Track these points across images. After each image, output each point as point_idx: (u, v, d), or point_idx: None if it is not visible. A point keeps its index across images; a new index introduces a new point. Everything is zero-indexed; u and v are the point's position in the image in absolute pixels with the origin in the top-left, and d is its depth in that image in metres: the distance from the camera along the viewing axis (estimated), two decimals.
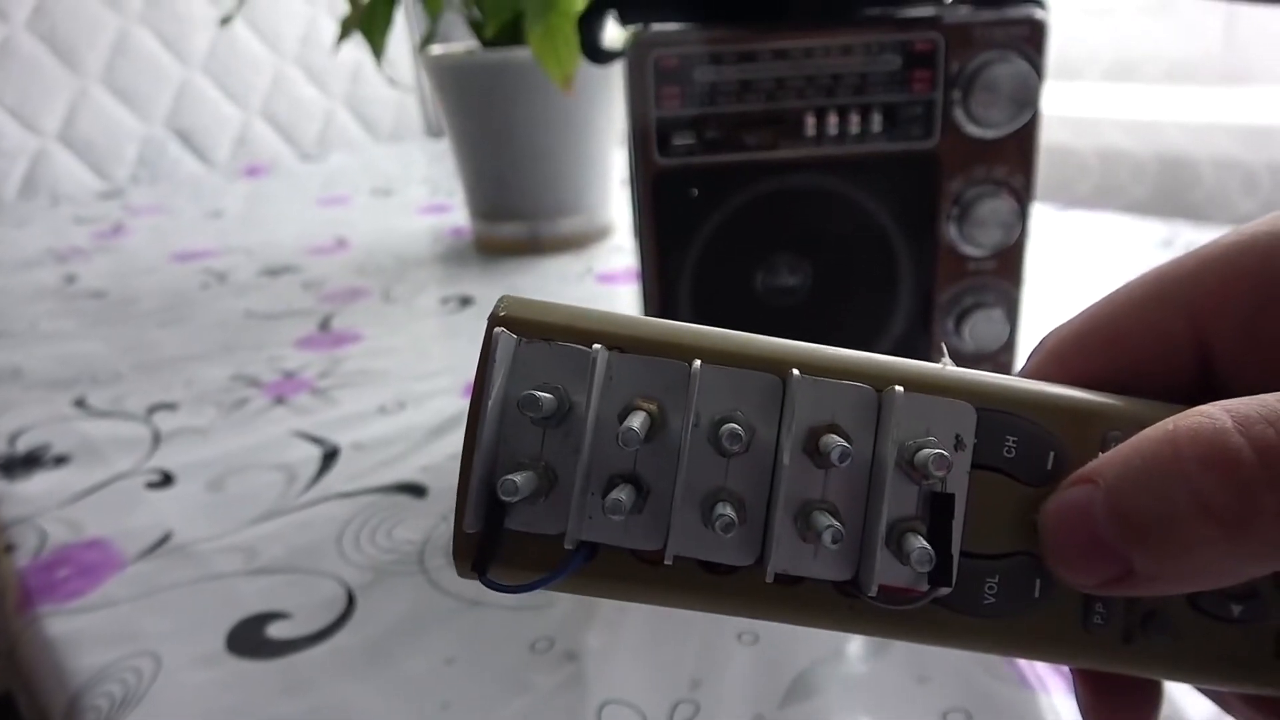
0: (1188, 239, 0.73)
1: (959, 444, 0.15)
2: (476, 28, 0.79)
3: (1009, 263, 0.40)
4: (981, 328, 0.41)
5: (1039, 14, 0.37)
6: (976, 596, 0.15)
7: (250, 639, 0.33)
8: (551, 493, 0.15)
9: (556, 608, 0.34)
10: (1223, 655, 0.15)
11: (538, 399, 0.14)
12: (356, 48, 0.76)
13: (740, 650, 0.31)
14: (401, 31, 1.44)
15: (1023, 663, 0.30)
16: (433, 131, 1.55)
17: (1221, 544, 0.13)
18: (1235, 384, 0.15)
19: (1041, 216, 0.80)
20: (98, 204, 1.16)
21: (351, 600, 0.35)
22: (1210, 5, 0.75)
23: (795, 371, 0.15)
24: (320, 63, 1.41)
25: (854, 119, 0.38)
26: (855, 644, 0.31)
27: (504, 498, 0.14)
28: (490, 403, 0.15)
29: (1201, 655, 0.15)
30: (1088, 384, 0.16)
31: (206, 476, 0.45)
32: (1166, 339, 0.16)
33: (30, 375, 0.59)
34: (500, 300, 0.15)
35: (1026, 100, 0.37)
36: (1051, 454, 0.15)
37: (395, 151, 1.42)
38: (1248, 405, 0.13)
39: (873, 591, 0.14)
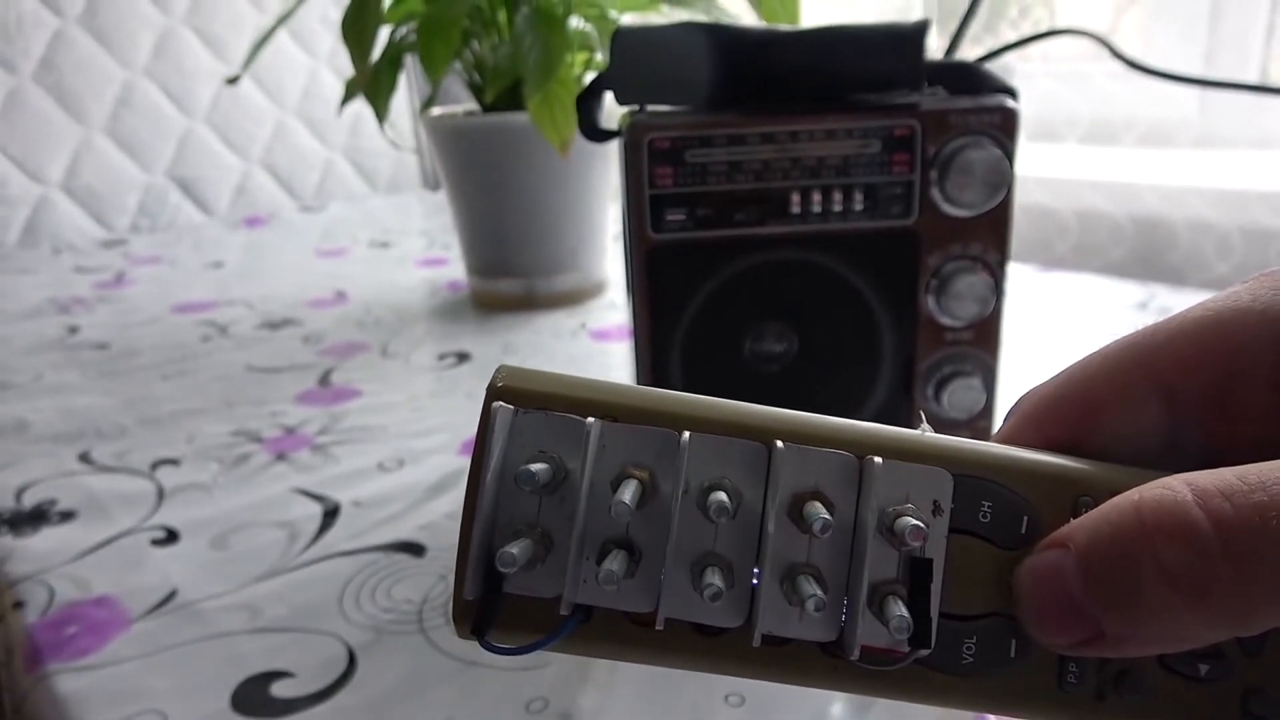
0: (1163, 302, 0.75)
1: (937, 509, 0.16)
2: (477, 91, 0.81)
3: (986, 333, 0.42)
4: (960, 395, 0.42)
5: (1010, 103, 0.40)
6: (955, 656, 0.16)
7: (255, 698, 0.34)
8: (548, 558, 0.15)
9: (550, 668, 0.35)
10: (1191, 713, 0.16)
11: (534, 473, 0.15)
12: (357, 100, 0.78)
13: (728, 712, 0.32)
14: (403, 91, 1.47)
15: None
16: (429, 183, 1.58)
17: (1183, 611, 0.13)
18: (1201, 451, 0.16)
19: (1022, 278, 0.83)
20: (99, 253, 1.17)
21: (353, 659, 0.36)
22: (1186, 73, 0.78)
23: (779, 442, 0.16)
24: (321, 114, 1.45)
25: (837, 198, 0.41)
26: (840, 705, 0.32)
27: (501, 569, 0.15)
28: (489, 474, 0.15)
29: (1171, 712, 0.16)
30: (1061, 445, 0.17)
31: (210, 533, 0.46)
32: (1136, 406, 0.17)
33: (35, 429, 0.60)
34: (499, 371, 0.16)
35: (999, 183, 0.40)
36: (1025, 518, 0.16)
37: (393, 203, 1.44)
38: (1206, 479, 0.14)
39: (855, 655, 0.15)
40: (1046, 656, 0.16)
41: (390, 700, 0.34)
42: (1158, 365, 0.16)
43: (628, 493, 0.15)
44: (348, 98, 0.80)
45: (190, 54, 1.33)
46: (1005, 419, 0.19)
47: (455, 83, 0.87)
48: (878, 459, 0.16)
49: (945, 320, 0.42)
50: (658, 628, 0.15)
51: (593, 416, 0.16)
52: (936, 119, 0.39)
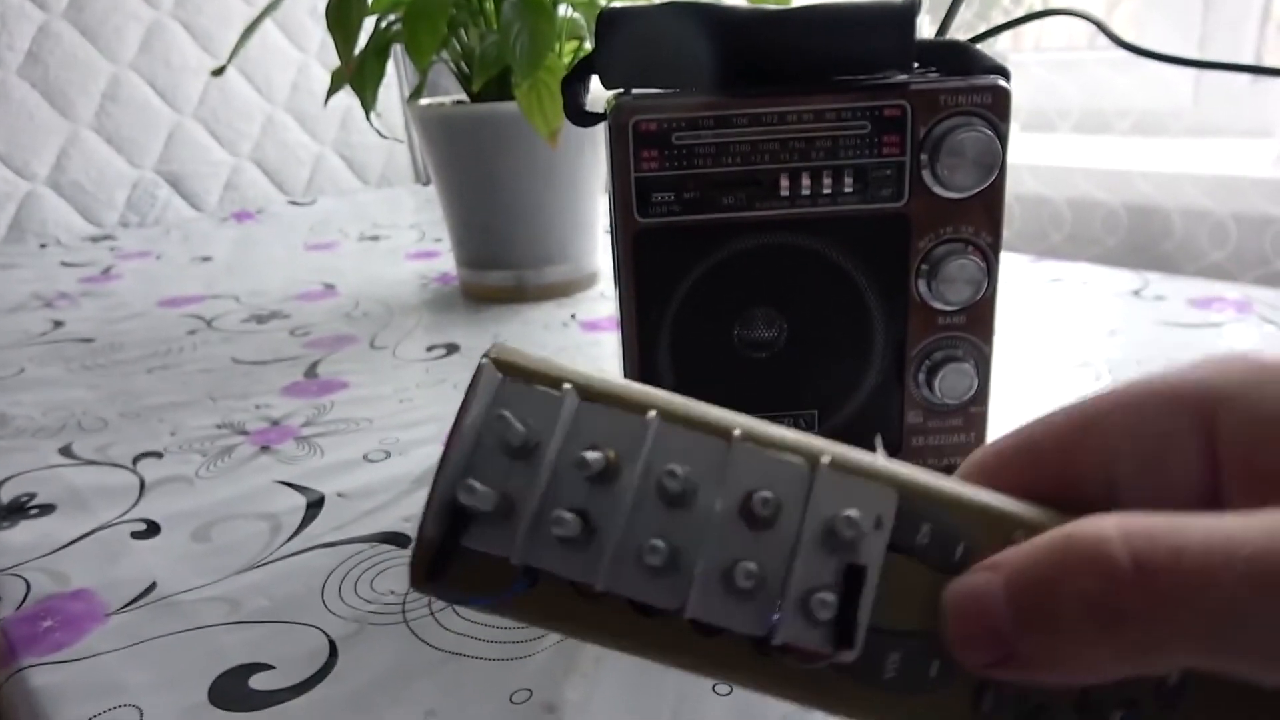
0: (1157, 289, 0.74)
1: (879, 524, 0.16)
2: (464, 81, 0.80)
3: (979, 317, 0.42)
4: (952, 380, 0.42)
5: (1002, 83, 0.39)
6: (878, 670, 0.16)
7: (233, 691, 0.33)
8: (508, 520, 0.16)
9: (535, 659, 0.34)
10: None
11: (509, 425, 0.16)
12: (347, 94, 0.77)
13: (715, 701, 0.32)
14: (391, 82, 1.46)
15: None
16: (421, 178, 1.57)
17: (1097, 642, 0.14)
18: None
19: (1015, 267, 0.82)
20: (86, 248, 1.16)
21: (334, 651, 0.35)
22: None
23: (737, 431, 0.16)
24: (310, 108, 1.43)
25: (826, 180, 0.40)
26: None
27: (462, 499, 0.15)
28: (466, 430, 0.16)
29: None
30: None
31: (191, 526, 0.45)
32: (1077, 469, 0.18)
33: (16, 422, 0.60)
34: (493, 345, 0.17)
35: (990, 164, 0.39)
36: (962, 545, 0.17)
37: (384, 196, 1.44)
38: (1137, 520, 0.14)
39: (778, 640, 0.16)
40: (966, 684, 0.16)
41: (372, 692, 0.33)
42: (1099, 435, 0.17)
43: (594, 455, 0.16)
44: (334, 88, 0.79)
45: (178, 48, 1.32)
46: (960, 467, 0.20)
47: (445, 75, 0.86)
48: (827, 463, 0.16)
49: (937, 304, 0.41)
50: (597, 589, 0.16)
51: (570, 389, 0.17)
52: (927, 99, 0.39)
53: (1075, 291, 0.76)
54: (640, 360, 0.42)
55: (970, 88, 0.39)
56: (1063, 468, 0.18)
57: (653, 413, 0.16)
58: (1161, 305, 0.71)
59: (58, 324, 0.82)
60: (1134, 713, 0.16)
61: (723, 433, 0.16)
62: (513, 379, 0.17)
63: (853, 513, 0.16)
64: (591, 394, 0.17)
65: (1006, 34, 0.66)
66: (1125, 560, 0.14)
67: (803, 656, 0.16)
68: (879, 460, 0.17)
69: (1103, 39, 0.53)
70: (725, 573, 0.16)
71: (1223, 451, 0.16)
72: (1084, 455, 0.18)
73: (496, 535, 0.16)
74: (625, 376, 0.17)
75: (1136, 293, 0.74)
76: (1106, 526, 0.14)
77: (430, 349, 0.70)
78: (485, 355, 0.17)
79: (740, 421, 0.17)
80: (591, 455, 0.16)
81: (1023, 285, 0.78)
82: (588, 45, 0.76)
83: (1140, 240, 0.88)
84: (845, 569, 0.16)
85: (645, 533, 0.16)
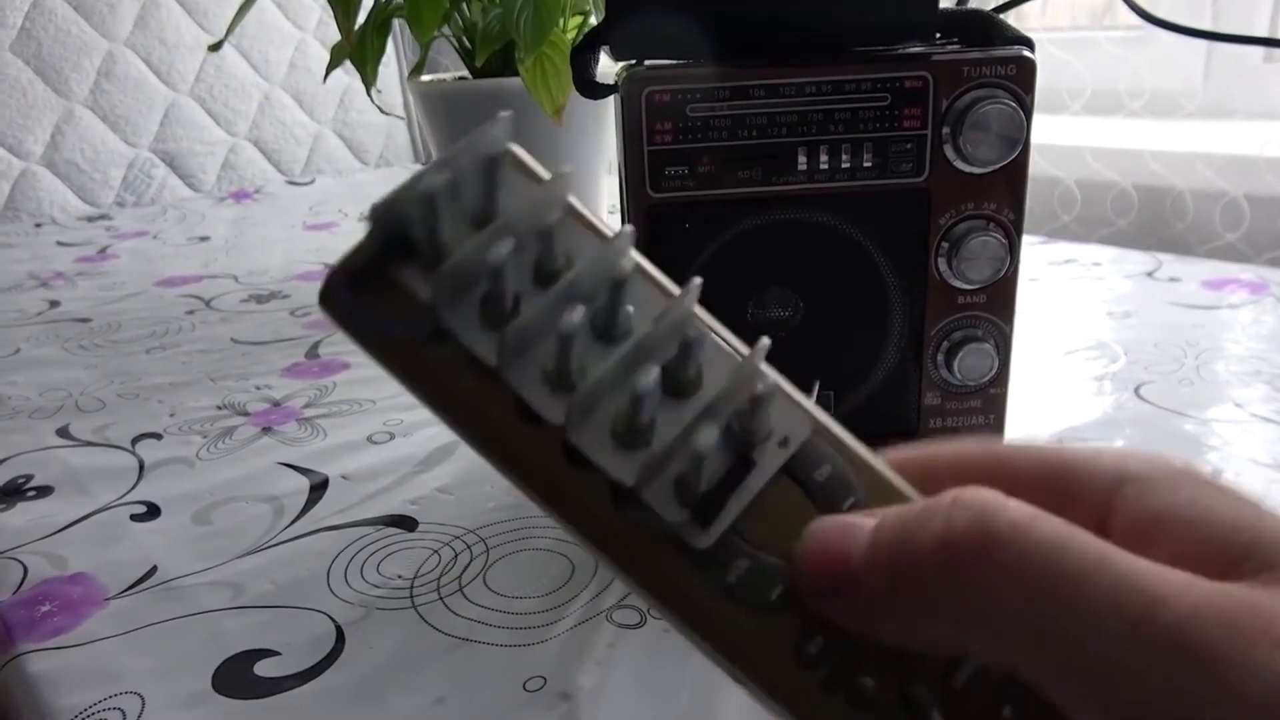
0: (1171, 270, 0.73)
1: (784, 443, 0.17)
2: (467, 56, 0.79)
3: (1000, 297, 0.41)
4: (971, 361, 0.41)
5: (1027, 53, 0.38)
6: (723, 570, 0.16)
7: (237, 678, 0.33)
8: (439, 268, 0.15)
9: (548, 645, 0.33)
10: None
11: (474, 188, 0.16)
12: (345, 73, 0.76)
13: (732, 689, 0.31)
14: (391, 59, 1.44)
15: None
16: (420, 157, 1.55)
17: (923, 599, 0.15)
18: None
19: (1025, 248, 0.81)
20: (82, 227, 1.15)
21: (341, 637, 0.34)
22: (1191, 40, 0.76)
23: (690, 315, 0.16)
24: (308, 87, 1.42)
25: (845, 154, 0.39)
26: None
27: (415, 230, 0.15)
28: (446, 164, 0.16)
29: None
30: None
31: (192, 509, 0.44)
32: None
33: (12, 403, 0.58)
34: (501, 117, 0.16)
35: (1015, 137, 0.38)
36: (853, 498, 0.17)
37: (384, 176, 1.42)
38: (1023, 507, 0.14)
39: (643, 496, 0.15)
40: (796, 623, 0.16)
41: (380, 679, 0.32)
42: (1004, 475, 0.17)
43: (550, 255, 0.16)
44: (334, 64, 0.77)
45: (173, 24, 1.30)
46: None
47: (446, 50, 0.84)
48: (766, 372, 0.16)
49: (957, 283, 0.40)
50: (492, 365, 0.15)
51: (562, 201, 0.16)
52: (949, 70, 0.38)
53: (1087, 273, 0.75)
54: None
55: (994, 59, 0.38)
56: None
57: (628, 261, 0.16)
58: (1175, 287, 0.70)
59: (54, 304, 0.81)
60: (945, 697, 0.16)
61: (679, 301, 0.16)
62: (516, 164, 0.16)
63: (765, 418, 0.16)
64: (578, 215, 0.17)
65: (1011, 11, 0.65)
66: (978, 536, 0.14)
67: (655, 519, 0.16)
68: (809, 401, 0.17)
69: (1109, 18, 0.52)
70: (622, 416, 0.16)
71: (1116, 524, 0.16)
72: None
73: (426, 279, 0.15)
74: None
75: (1150, 274, 0.73)
76: (994, 499, 0.14)
77: None
78: (499, 121, 0.16)
79: (691, 307, 0.17)
80: (549, 253, 0.16)
81: (1034, 266, 0.76)
82: (593, 20, 0.75)
83: (1152, 221, 0.87)
84: (734, 460, 0.16)
85: (566, 345, 0.15)
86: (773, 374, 0.17)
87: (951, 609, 0.14)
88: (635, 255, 0.17)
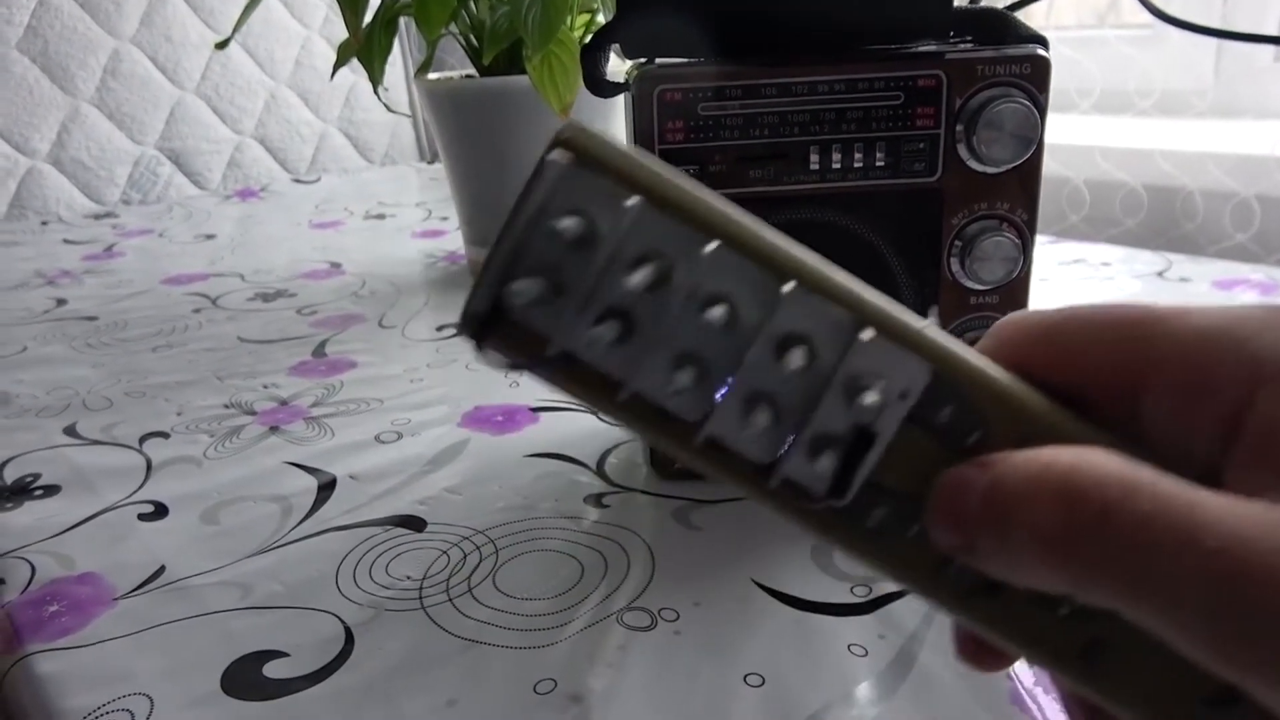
0: (1181, 270, 0.73)
1: (904, 395, 0.17)
2: (474, 54, 0.79)
3: (1012, 298, 0.40)
4: None
5: (1041, 52, 0.37)
6: (863, 518, 0.17)
7: (247, 679, 0.32)
8: (554, 303, 0.16)
9: (558, 648, 0.33)
10: (1038, 640, 0.18)
11: (564, 227, 0.16)
12: (351, 71, 0.75)
13: (748, 693, 0.31)
14: (397, 57, 1.44)
15: (1033, 707, 0.29)
16: (426, 156, 1.55)
17: (1036, 563, 0.15)
18: (1150, 441, 0.17)
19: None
20: (88, 225, 1.15)
21: (350, 638, 0.34)
22: (1201, 39, 0.75)
23: (791, 282, 0.17)
24: (314, 85, 1.41)
25: (857, 154, 0.38)
26: (864, 687, 0.31)
27: (509, 297, 0.16)
28: (527, 212, 0.16)
29: (1021, 632, 0.18)
30: (1024, 374, 0.18)
31: (200, 508, 0.44)
32: (1105, 376, 0.18)
33: (19, 402, 0.58)
34: (568, 125, 0.17)
35: (1029, 137, 0.37)
36: (977, 433, 0.17)
37: (389, 174, 1.42)
38: (1130, 469, 0.15)
39: (780, 472, 0.17)
40: (936, 551, 0.17)
41: (390, 681, 0.32)
42: (1140, 360, 0.17)
43: (645, 268, 0.16)
44: (341, 61, 0.77)
45: (179, 22, 1.30)
46: (983, 339, 0.20)
47: (453, 48, 0.84)
48: (870, 331, 0.17)
49: (970, 283, 0.40)
50: (621, 398, 0.17)
51: (639, 196, 0.16)
52: (963, 69, 0.37)
53: (1097, 273, 0.74)
54: None
55: (1008, 57, 0.37)
56: (1090, 369, 0.18)
57: (715, 243, 0.16)
58: (1186, 287, 0.69)
59: (60, 302, 0.81)
60: (1082, 609, 0.17)
61: (779, 271, 0.17)
62: (582, 167, 0.16)
63: (881, 383, 0.17)
64: (661, 201, 0.17)
65: (1019, 11, 0.64)
66: (1095, 503, 0.14)
67: (796, 493, 0.17)
68: (925, 331, 0.17)
69: (1114, 17, 0.51)
70: (747, 400, 0.17)
71: (1250, 423, 0.16)
72: (1115, 370, 0.17)
73: (540, 317, 0.16)
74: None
75: (1160, 274, 0.72)
76: (1101, 462, 0.15)
77: (440, 329, 0.69)
78: (560, 134, 0.17)
79: (799, 262, 0.17)
80: (643, 269, 0.16)
81: (1043, 266, 0.76)
82: (601, 18, 0.74)
83: (1161, 221, 0.87)
84: (857, 429, 0.17)
85: (681, 346, 0.16)
86: (887, 318, 0.17)
87: (1059, 570, 0.15)
88: (726, 222, 0.17)
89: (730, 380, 0.17)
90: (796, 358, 0.17)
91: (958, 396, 0.17)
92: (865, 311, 0.17)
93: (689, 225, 0.17)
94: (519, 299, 0.16)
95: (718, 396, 0.17)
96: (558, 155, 0.16)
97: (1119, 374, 0.17)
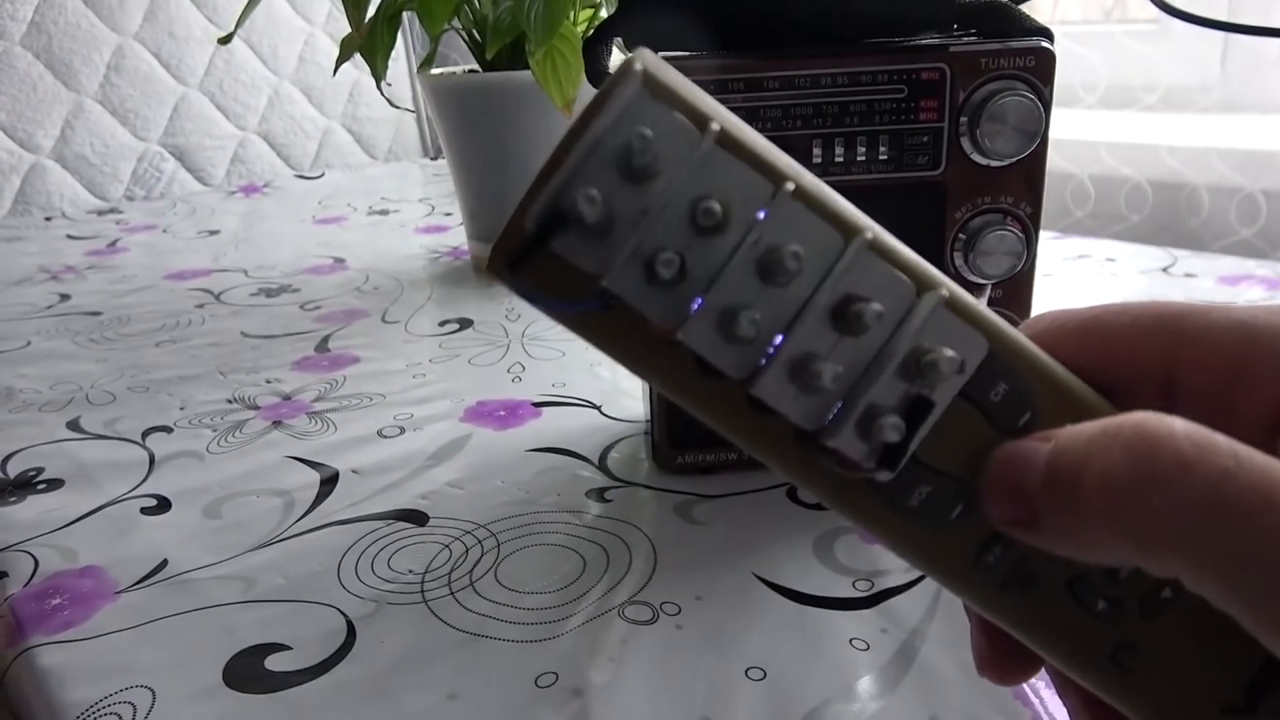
0: (1187, 266, 0.73)
1: (961, 369, 0.17)
2: (477, 49, 0.79)
3: (1017, 292, 0.40)
4: None
5: (1046, 45, 0.37)
6: (905, 496, 0.17)
7: (249, 672, 0.32)
8: (604, 238, 0.15)
9: (560, 641, 0.33)
10: (1068, 639, 0.17)
11: (640, 145, 0.15)
12: (354, 67, 0.75)
13: (749, 687, 0.31)
14: (400, 52, 1.44)
15: (1036, 702, 0.29)
16: (429, 151, 1.55)
17: (1107, 526, 0.14)
18: None
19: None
20: (92, 221, 1.15)
21: (352, 631, 0.34)
22: (1207, 33, 0.75)
23: (862, 234, 0.16)
24: (317, 81, 1.41)
25: (860, 147, 0.38)
26: (866, 682, 0.31)
27: (579, 205, 0.15)
28: (593, 133, 0.15)
29: (1052, 630, 0.17)
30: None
31: (203, 502, 0.44)
32: (1143, 367, 0.18)
33: (23, 395, 0.58)
34: (640, 51, 0.16)
35: (1033, 130, 0.37)
36: (1028, 414, 0.17)
37: (393, 170, 1.42)
38: (1199, 431, 0.14)
39: (826, 441, 0.16)
40: (976, 535, 0.17)
41: (392, 674, 0.32)
42: (1179, 351, 0.17)
43: (712, 205, 0.15)
44: (344, 57, 0.77)
45: (182, 18, 1.30)
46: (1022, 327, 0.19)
47: (455, 44, 0.84)
48: (932, 300, 0.16)
49: (974, 278, 0.40)
50: (677, 338, 0.16)
51: (709, 134, 0.15)
52: (967, 61, 0.37)
53: (1102, 268, 0.74)
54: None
55: (1012, 50, 0.37)
56: (1127, 362, 0.18)
57: (790, 184, 0.16)
58: (1191, 283, 0.69)
59: (64, 297, 0.81)
60: (1116, 606, 0.17)
61: (846, 231, 0.16)
62: (655, 97, 0.15)
63: (948, 352, 0.16)
64: (732, 144, 0.15)
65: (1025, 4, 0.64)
66: (1170, 453, 0.14)
67: (840, 462, 0.16)
68: (982, 309, 0.17)
69: (1119, 11, 0.51)
70: (799, 361, 0.16)
71: None
72: (1154, 362, 0.17)
73: (588, 250, 0.15)
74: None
75: (1165, 269, 0.72)
76: (1172, 420, 0.14)
77: (443, 324, 0.69)
78: (632, 63, 0.15)
79: (866, 225, 0.16)
80: (710, 204, 0.15)
81: (1048, 261, 0.76)
82: (603, 12, 0.74)
83: (1166, 217, 0.87)
84: (913, 400, 0.16)
85: (735, 298, 0.16)
86: (951, 290, 0.16)
87: (1124, 539, 0.14)
88: (796, 173, 0.16)
89: (781, 338, 0.16)
90: (854, 320, 0.16)
91: (1012, 374, 0.17)
92: (928, 280, 0.16)
93: (758, 172, 0.15)
94: (573, 223, 0.15)
95: (767, 353, 0.16)
96: (629, 82, 0.15)
97: (1158, 366, 0.17)
